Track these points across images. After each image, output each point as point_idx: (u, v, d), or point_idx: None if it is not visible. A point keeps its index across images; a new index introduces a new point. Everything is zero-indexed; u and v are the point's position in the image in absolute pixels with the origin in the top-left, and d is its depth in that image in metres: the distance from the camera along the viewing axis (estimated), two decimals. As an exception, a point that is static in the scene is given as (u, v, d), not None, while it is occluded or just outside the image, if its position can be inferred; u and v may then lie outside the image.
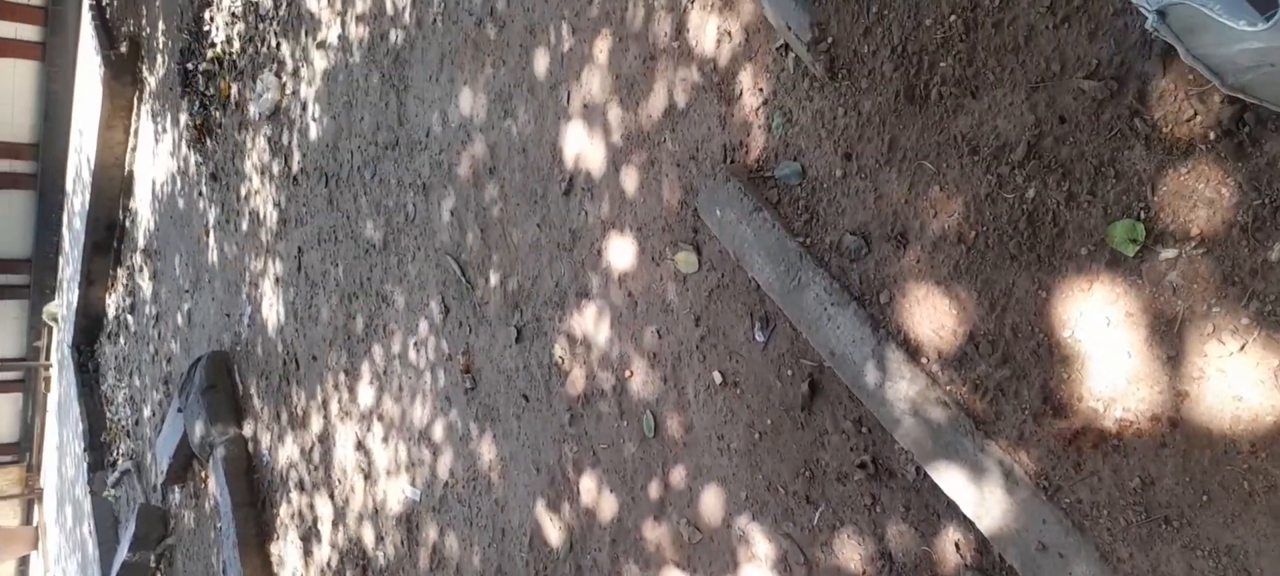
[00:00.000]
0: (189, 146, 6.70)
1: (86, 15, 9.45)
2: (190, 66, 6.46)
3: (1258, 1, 1.00)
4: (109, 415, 9.88)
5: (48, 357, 14.07)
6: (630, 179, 2.56)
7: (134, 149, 8.75)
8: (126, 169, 8.93)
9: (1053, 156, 1.57)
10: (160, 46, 7.59)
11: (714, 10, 2.24)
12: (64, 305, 11.96)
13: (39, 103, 12.27)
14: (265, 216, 5.34)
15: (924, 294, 1.81)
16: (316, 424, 4.69)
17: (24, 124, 12.44)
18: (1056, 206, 1.57)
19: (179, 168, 7.13)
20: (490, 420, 3.27)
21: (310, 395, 4.76)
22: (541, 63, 2.89)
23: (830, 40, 1.93)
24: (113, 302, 10.01)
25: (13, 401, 15.80)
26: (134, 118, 8.59)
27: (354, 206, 4.23)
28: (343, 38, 4.26)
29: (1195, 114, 1.38)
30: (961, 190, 1.72)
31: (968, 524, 1.74)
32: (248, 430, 5.70)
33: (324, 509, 4.61)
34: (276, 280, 5.18)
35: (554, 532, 2.95)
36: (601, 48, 2.63)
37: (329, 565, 4.56)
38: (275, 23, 5.10)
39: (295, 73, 4.85)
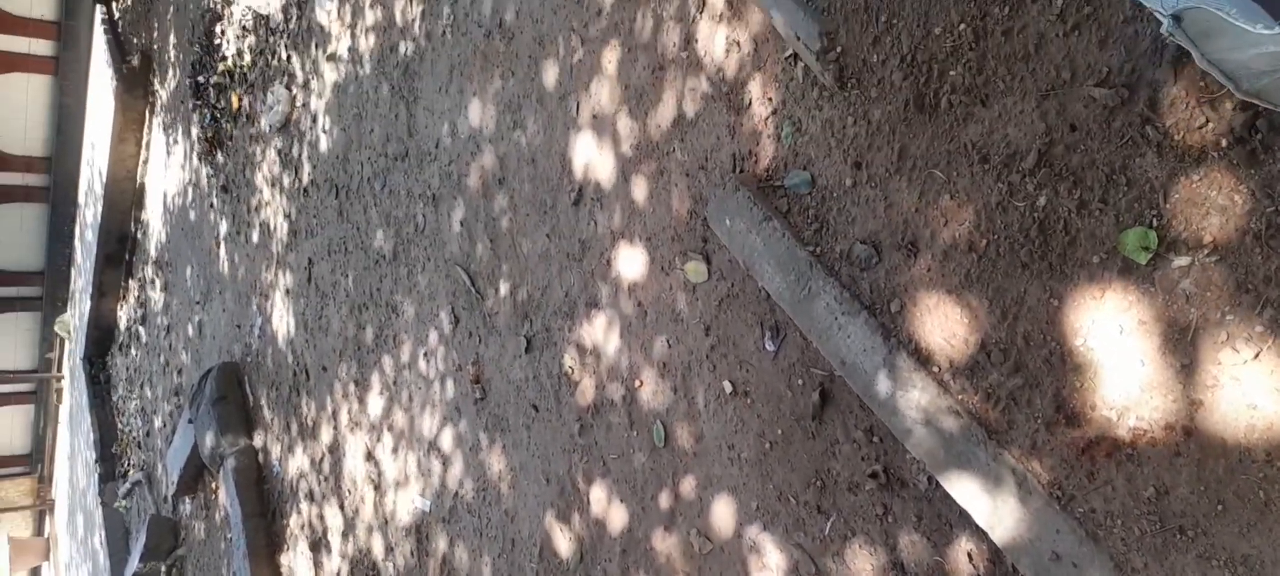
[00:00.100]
0: (200, 159, 6.75)
1: (98, 30, 9.55)
2: (201, 79, 6.52)
3: (1273, 6, 0.99)
4: (120, 426, 9.93)
5: (60, 369, 14.16)
6: (639, 189, 2.57)
7: (145, 161, 8.83)
8: (138, 181, 9.01)
9: (1064, 164, 1.57)
10: (171, 60, 7.67)
11: (723, 20, 2.25)
12: (76, 317, 12.04)
13: (51, 117, 12.41)
14: (276, 228, 5.37)
15: (935, 302, 1.80)
16: (326, 434, 4.71)
17: (37, 138, 12.57)
18: (1068, 214, 1.56)
19: (190, 180, 7.18)
20: (500, 430, 3.27)
21: (320, 406, 4.78)
22: (550, 74, 2.90)
23: (839, 49, 1.93)
24: (124, 314, 10.08)
25: (25, 413, 15.90)
26: (146, 130, 8.67)
27: (364, 218, 4.25)
28: (353, 50, 4.29)
29: (1207, 121, 1.38)
30: (972, 198, 1.72)
31: (980, 534, 1.73)
32: (258, 441, 5.72)
33: (334, 519, 4.62)
34: (287, 291, 5.21)
35: (564, 543, 2.94)
36: (610, 58, 2.64)
37: (339, 575, 4.56)
38: (286, 36, 5.14)
39: (305, 85, 4.89)
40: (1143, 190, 1.46)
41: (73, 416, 12.64)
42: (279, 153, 5.30)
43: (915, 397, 1.80)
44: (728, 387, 2.31)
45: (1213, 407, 1.40)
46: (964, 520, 1.76)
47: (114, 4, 9.80)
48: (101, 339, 10.69)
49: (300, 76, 4.96)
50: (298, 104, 5.02)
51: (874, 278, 1.92)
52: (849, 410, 2.01)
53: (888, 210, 1.89)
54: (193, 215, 7.15)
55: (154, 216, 8.61)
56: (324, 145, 4.67)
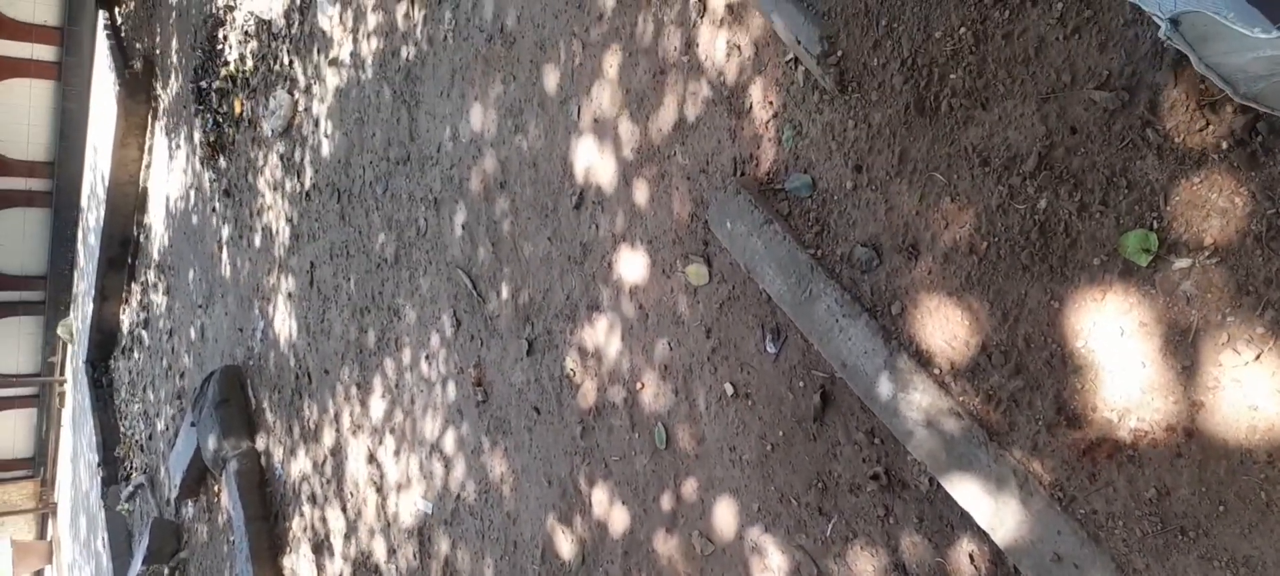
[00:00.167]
0: (202, 163, 6.76)
1: (101, 35, 9.58)
2: (204, 84, 6.54)
3: (1272, 10, 1.00)
4: (123, 429, 9.94)
5: (62, 373, 14.18)
6: (641, 192, 2.57)
7: (148, 166, 8.85)
8: (141, 185, 9.03)
9: (1064, 167, 1.57)
10: (174, 65, 7.69)
11: (723, 25, 2.26)
12: (79, 319, 12.07)
13: (54, 122, 12.44)
14: (278, 232, 5.38)
15: (936, 305, 1.81)
16: (329, 437, 4.71)
17: (40, 143, 12.60)
18: (1068, 217, 1.57)
19: (192, 184, 7.20)
20: (502, 433, 3.28)
21: (322, 409, 4.78)
22: (552, 78, 2.91)
23: (840, 53, 1.94)
24: (127, 318, 10.10)
25: (27, 417, 15.93)
26: (148, 135, 8.69)
27: (366, 221, 4.26)
28: (355, 55, 4.30)
29: (1207, 123, 1.38)
30: (973, 201, 1.72)
31: (982, 535, 1.73)
32: (260, 444, 5.73)
33: (336, 522, 4.63)
34: (289, 295, 5.22)
35: (566, 545, 2.95)
36: (611, 63, 2.65)
37: (341, 579, 4.56)
38: (288, 41, 5.15)
39: (308, 90, 4.90)
40: (1143, 193, 1.47)
41: (76, 419, 12.66)
42: (281, 157, 5.31)
43: (916, 399, 1.80)
44: (729, 390, 2.31)
45: (1214, 409, 1.40)
46: (966, 521, 1.77)
47: (117, 9, 9.83)
48: (104, 342, 10.71)
49: (302, 81, 4.97)
50: (300, 108, 5.03)
51: (875, 280, 1.93)
52: (850, 412, 2.01)
53: (888, 213, 1.89)
54: (195, 219, 7.16)
55: (156, 220, 8.63)
56: (326, 149, 4.68)
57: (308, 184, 4.93)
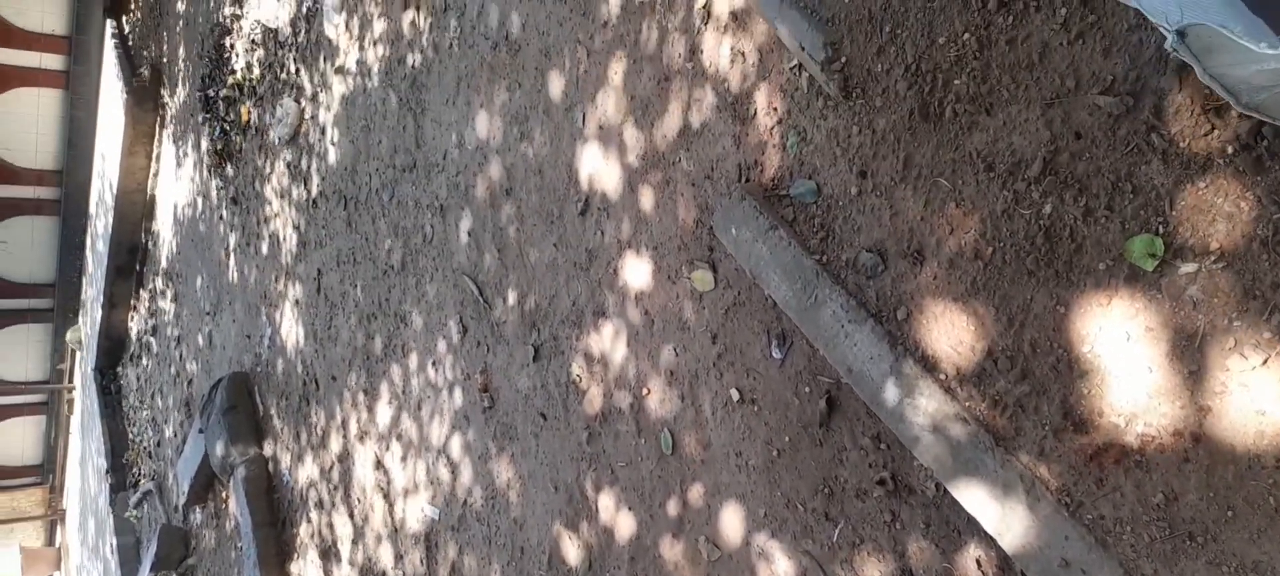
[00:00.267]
0: (210, 171, 6.80)
1: (109, 44, 9.65)
2: (211, 93, 6.57)
3: (1278, 26, 1.01)
4: (131, 435, 9.99)
5: (71, 380, 14.25)
6: (646, 199, 2.58)
7: (156, 174, 8.90)
8: (148, 193, 9.08)
9: (1069, 172, 1.57)
10: (181, 73, 7.74)
11: (727, 31, 2.26)
12: (88, 325, 12.13)
13: (62, 130, 12.53)
14: (285, 239, 5.40)
15: (941, 310, 1.81)
16: (336, 443, 4.73)
17: (48, 152, 12.69)
18: (1074, 222, 1.57)
19: (200, 191, 7.24)
20: (508, 439, 3.28)
21: (330, 415, 4.80)
22: (557, 85, 2.92)
23: (844, 59, 1.94)
24: (135, 325, 10.15)
25: (36, 424, 16.01)
26: (156, 143, 8.75)
27: (372, 229, 4.28)
28: (361, 63, 4.33)
29: (1212, 128, 1.38)
30: (977, 207, 1.73)
31: (989, 541, 1.73)
32: (268, 450, 5.75)
33: (344, 528, 4.64)
34: (296, 302, 5.24)
35: (573, 551, 2.95)
36: (616, 70, 2.66)
37: (349, 585, 4.57)
38: (294, 49, 5.18)
39: (314, 98, 4.93)
40: (1148, 197, 1.47)
41: (84, 424, 12.72)
42: (288, 164, 5.34)
43: (922, 405, 1.80)
44: (735, 395, 2.31)
45: (1221, 414, 1.40)
46: (972, 527, 1.76)
47: (124, 19, 9.90)
48: (112, 349, 10.77)
49: (309, 89, 5.00)
50: (306, 116, 5.06)
51: (880, 285, 1.93)
52: (856, 417, 2.01)
53: (893, 218, 1.89)
54: (202, 226, 7.20)
55: (164, 227, 8.68)
56: (332, 157, 4.71)
57: (314, 191, 4.95)
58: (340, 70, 4.56)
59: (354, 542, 4.52)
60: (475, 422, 3.48)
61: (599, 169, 2.76)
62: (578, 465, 2.92)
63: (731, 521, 2.36)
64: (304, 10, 4.99)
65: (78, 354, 13.38)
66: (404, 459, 4.03)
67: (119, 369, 10.98)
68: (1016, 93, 1.65)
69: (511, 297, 3.23)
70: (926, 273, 1.83)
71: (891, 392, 1.86)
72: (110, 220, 9.33)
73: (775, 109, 2.15)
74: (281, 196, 5.46)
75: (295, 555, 5.25)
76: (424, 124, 3.77)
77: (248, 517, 5.44)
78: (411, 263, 3.92)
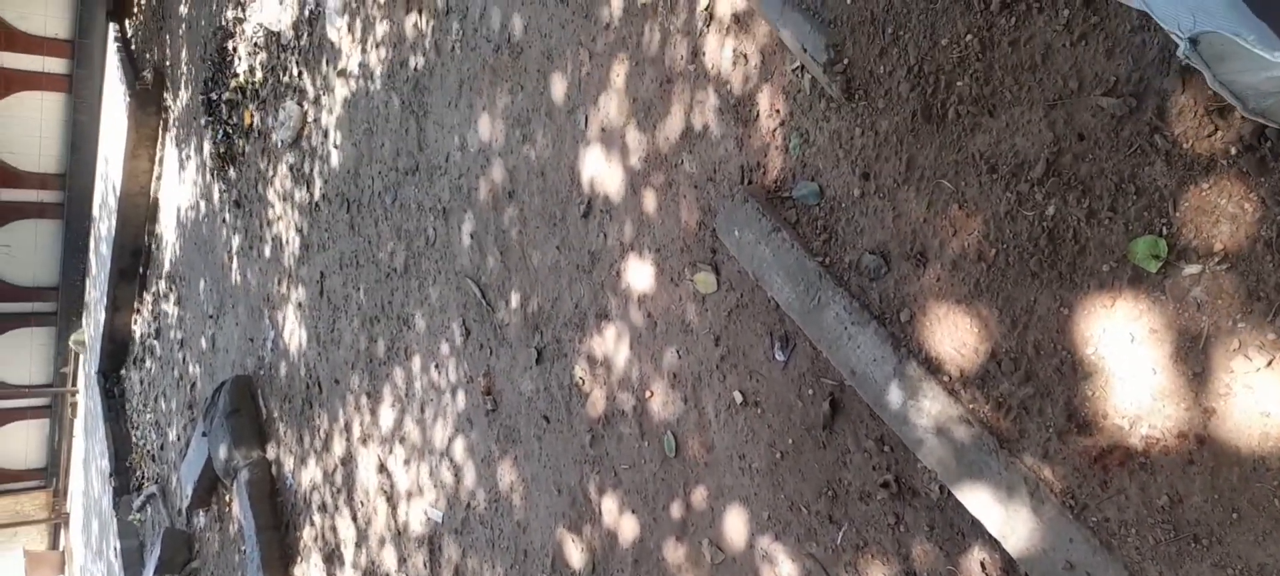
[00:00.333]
0: (213, 174, 6.81)
1: (112, 48, 9.67)
2: (214, 96, 6.59)
3: None
4: (134, 438, 10.00)
5: (74, 384, 14.28)
6: (648, 201, 2.58)
7: (159, 177, 8.92)
8: (151, 196, 9.10)
9: (1072, 173, 1.57)
10: (184, 77, 7.75)
11: (730, 33, 2.27)
12: (91, 328, 12.15)
13: (65, 134, 12.55)
14: (288, 242, 5.41)
15: (945, 312, 1.81)
16: (339, 446, 4.73)
17: (51, 155, 12.72)
18: (1077, 223, 1.57)
19: (203, 195, 7.25)
20: (511, 441, 3.28)
21: (333, 418, 4.80)
22: (559, 88, 2.92)
23: (846, 61, 1.94)
24: (138, 328, 10.16)
25: (40, 427, 16.03)
26: (159, 146, 8.76)
27: (375, 231, 4.28)
28: (363, 66, 4.33)
29: (1216, 129, 1.38)
30: (981, 208, 1.72)
31: (993, 543, 1.73)
32: (271, 453, 5.75)
33: (347, 531, 4.64)
34: (299, 305, 5.25)
35: (576, 554, 2.95)
36: (618, 72, 2.66)
37: (352, 588, 4.58)
38: (297, 52, 5.19)
39: (317, 101, 4.94)
40: (1152, 198, 1.47)
41: (88, 426, 12.74)
42: (290, 168, 5.35)
43: (926, 407, 1.80)
44: (738, 398, 2.31)
45: (1226, 415, 1.40)
46: (976, 529, 1.76)
47: (127, 22, 9.93)
48: (116, 353, 10.78)
49: (311, 92, 5.01)
50: (309, 119, 5.07)
51: (883, 287, 1.93)
52: (860, 420, 2.01)
53: (896, 220, 1.89)
54: (205, 230, 7.21)
55: (167, 231, 8.70)
56: (335, 160, 4.71)
57: (317, 194, 4.95)
58: (342, 73, 4.57)
59: (357, 546, 4.52)
60: (478, 425, 3.48)
61: (601, 171, 2.76)
62: (581, 468, 2.92)
63: (735, 524, 2.35)
64: (306, 13, 5.00)
65: (81, 357, 13.40)
66: (407, 462, 4.03)
67: (122, 372, 10.99)
68: (1019, 94, 1.65)
69: (514, 300, 3.23)
70: (929, 274, 1.83)
71: (895, 395, 1.85)
72: (113, 223, 9.35)
73: (778, 111, 2.15)
74: (284, 199, 5.46)
75: (299, 558, 5.25)
76: (426, 126, 3.77)
77: (251, 521, 5.44)
78: (414, 265, 3.93)
